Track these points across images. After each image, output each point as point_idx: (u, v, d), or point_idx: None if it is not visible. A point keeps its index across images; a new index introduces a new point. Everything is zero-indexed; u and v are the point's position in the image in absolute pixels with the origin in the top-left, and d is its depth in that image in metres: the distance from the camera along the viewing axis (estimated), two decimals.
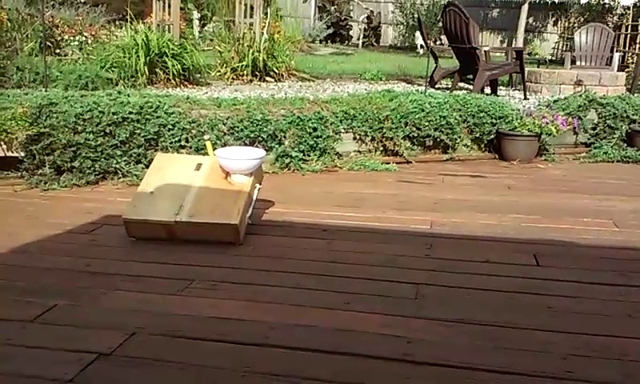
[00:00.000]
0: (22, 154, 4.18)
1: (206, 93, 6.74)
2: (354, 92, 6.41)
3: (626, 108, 5.77)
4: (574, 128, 5.63)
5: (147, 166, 3.80)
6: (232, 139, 4.60)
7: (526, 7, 14.77)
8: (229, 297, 2.52)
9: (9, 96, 4.58)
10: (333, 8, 17.40)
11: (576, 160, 5.51)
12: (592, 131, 5.78)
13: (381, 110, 5.10)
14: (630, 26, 11.86)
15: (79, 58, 7.77)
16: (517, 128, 5.31)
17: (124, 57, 7.16)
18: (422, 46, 14.53)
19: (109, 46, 7.92)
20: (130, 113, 4.34)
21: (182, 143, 4.51)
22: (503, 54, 10.86)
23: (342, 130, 5.00)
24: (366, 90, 6.90)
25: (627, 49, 11.57)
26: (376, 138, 5.10)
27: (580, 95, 5.96)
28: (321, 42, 15.47)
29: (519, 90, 8.17)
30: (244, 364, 2.00)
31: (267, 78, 8.31)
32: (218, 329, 2.24)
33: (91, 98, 4.44)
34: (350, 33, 17.56)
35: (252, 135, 4.65)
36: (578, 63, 9.47)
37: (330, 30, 16.32)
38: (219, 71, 8.34)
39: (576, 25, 15.97)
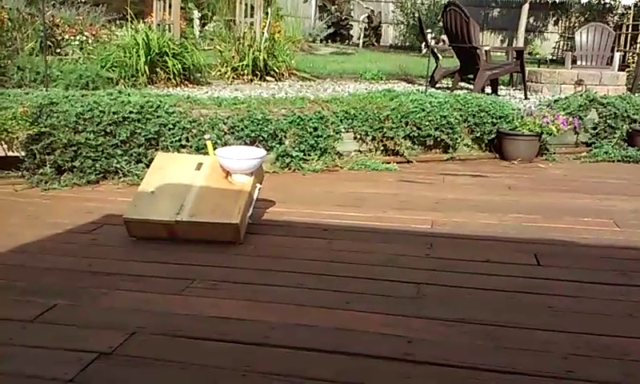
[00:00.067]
0: (23, 154, 4.18)
1: (207, 92, 6.74)
2: (355, 91, 6.41)
3: (627, 108, 5.77)
4: (575, 128, 5.63)
5: (148, 166, 3.80)
6: (232, 139, 4.60)
7: (526, 7, 14.77)
8: (229, 296, 2.52)
9: (9, 95, 4.59)
10: (333, 7, 17.40)
11: (577, 160, 5.51)
12: (593, 131, 5.78)
13: (381, 109, 5.10)
14: (630, 26, 11.86)
15: (80, 58, 7.77)
16: (517, 128, 5.30)
17: (124, 56, 7.16)
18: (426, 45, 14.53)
19: (109, 45, 7.93)
20: (131, 112, 4.34)
21: (183, 143, 4.51)
22: (504, 54, 10.85)
23: (343, 130, 4.99)
24: (366, 89, 6.90)
25: (628, 48, 11.56)
26: (377, 137, 5.10)
27: (581, 95, 5.96)
28: (321, 41, 15.47)
29: (520, 89, 8.17)
30: (244, 364, 2.00)
31: (268, 78, 8.31)
32: (218, 328, 2.24)
33: (92, 98, 4.44)
34: (351, 32, 17.56)
35: (252, 135, 4.65)
36: (578, 63, 9.47)
37: (331, 30, 16.32)
38: (220, 71, 8.34)
39: (577, 24, 15.98)
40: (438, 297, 2.56)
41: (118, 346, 2.08)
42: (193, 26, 12.56)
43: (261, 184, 3.45)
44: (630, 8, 13.15)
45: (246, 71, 8.18)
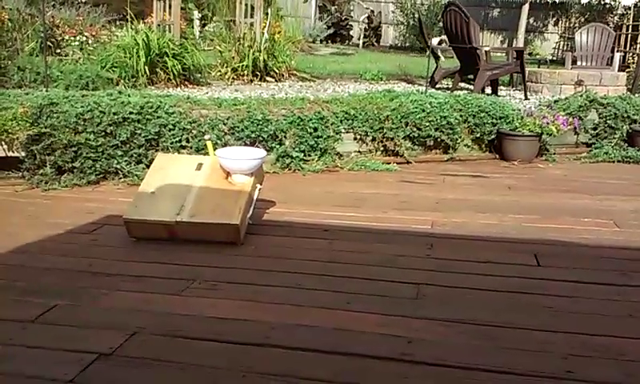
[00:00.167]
0: (23, 154, 4.18)
1: (207, 93, 6.74)
2: (355, 92, 6.41)
3: (627, 108, 5.77)
4: (575, 128, 5.63)
5: (148, 166, 3.80)
6: (233, 139, 4.61)
7: (526, 7, 14.77)
8: (229, 297, 2.52)
9: (10, 96, 4.59)
10: (333, 8, 17.40)
11: (577, 160, 5.51)
12: (593, 131, 5.78)
13: (381, 110, 5.10)
14: (630, 26, 11.86)
15: (80, 58, 7.77)
16: (517, 128, 5.31)
17: (125, 57, 7.17)
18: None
19: (109, 46, 7.93)
20: (131, 113, 4.35)
21: (183, 143, 4.51)
22: (504, 54, 10.85)
23: (343, 130, 5.00)
24: (366, 90, 6.90)
25: (628, 49, 11.56)
26: (377, 138, 5.10)
27: (581, 95, 5.96)
28: (321, 41, 15.48)
29: (520, 90, 8.17)
30: (244, 364, 2.00)
31: (268, 78, 8.31)
32: (218, 329, 2.24)
33: (92, 98, 4.44)
34: (351, 33, 17.56)
35: (253, 135, 4.65)
36: (578, 63, 9.47)
37: (331, 30, 16.32)
38: (220, 71, 8.34)
39: (577, 25, 15.98)
40: (438, 297, 2.56)
41: (118, 346, 2.08)
42: (193, 27, 12.57)
43: (261, 184, 3.45)
44: (630, 8, 13.15)
45: (246, 72, 8.18)
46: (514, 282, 2.73)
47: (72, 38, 8.64)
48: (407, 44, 17.10)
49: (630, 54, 11.36)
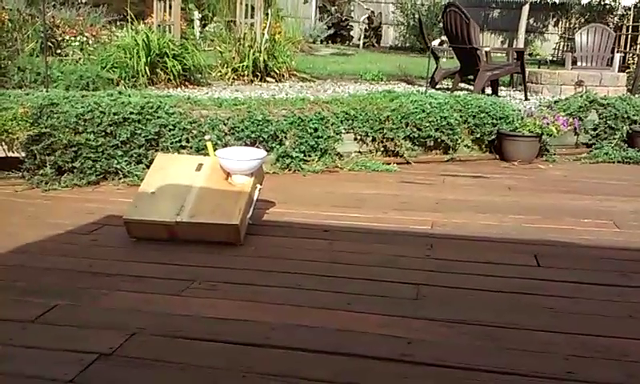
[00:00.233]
0: (23, 155, 4.18)
1: (207, 93, 6.74)
2: (355, 92, 6.41)
3: (627, 109, 5.77)
4: (575, 129, 5.63)
5: (148, 167, 3.80)
6: (233, 139, 4.61)
7: (526, 8, 14.78)
8: (229, 297, 2.52)
9: (10, 96, 4.59)
10: (333, 8, 17.41)
11: (577, 161, 5.51)
12: (593, 132, 5.78)
13: (381, 110, 5.10)
14: (630, 27, 11.86)
15: (80, 59, 7.77)
16: (518, 129, 5.31)
17: (125, 57, 7.17)
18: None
19: (110, 46, 7.94)
20: (131, 113, 4.34)
21: (183, 143, 4.51)
22: (504, 55, 10.85)
23: (343, 131, 5.00)
24: (366, 90, 6.90)
25: (628, 49, 11.56)
26: (377, 138, 5.10)
27: (581, 96, 5.96)
28: (321, 42, 15.48)
29: (520, 90, 8.17)
30: (244, 364, 2.00)
31: (268, 79, 8.31)
32: (218, 329, 2.24)
33: (92, 99, 4.44)
34: (351, 33, 17.57)
35: (253, 135, 4.65)
36: (578, 64, 9.47)
37: (331, 31, 16.33)
38: (220, 71, 8.34)
39: (577, 25, 15.98)
40: (438, 298, 2.56)
41: (118, 346, 2.08)
42: (193, 27, 12.57)
43: (261, 185, 3.45)
44: (630, 9, 13.16)
45: (246, 72, 8.18)
46: (514, 282, 2.73)
47: (72, 39, 8.64)
48: (407, 44, 17.11)
49: (630, 55, 11.36)
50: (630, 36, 11.73)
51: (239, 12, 8.82)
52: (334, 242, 3.21)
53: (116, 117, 4.29)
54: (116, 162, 4.29)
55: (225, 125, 4.63)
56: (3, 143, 4.17)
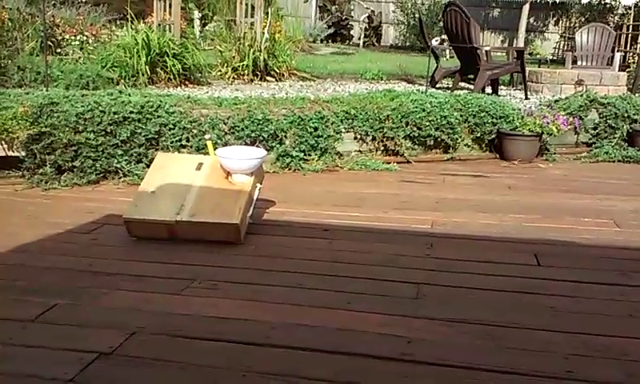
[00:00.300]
0: (23, 154, 4.18)
1: (207, 92, 6.74)
2: (355, 92, 6.41)
3: (627, 108, 5.77)
4: (575, 128, 5.63)
5: (148, 166, 3.80)
6: (233, 139, 4.60)
7: (527, 7, 14.76)
8: (229, 296, 2.52)
9: (10, 95, 4.59)
10: (334, 8, 17.41)
11: (577, 160, 5.51)
12: (593, 131, 5.78)
13: (382, 109, 5.10)
14: (631, 26, 11.86)
15: (80, 58, 7.77)
16: (518, 128, 5.30)
17: (125, 56, 7.17)
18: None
19: (110, 45, 7.94)
20: (131, 112, 4.34)
21: (183, 143, 4.51)
22: (504, 54, 10.84)
23: (343, 130, 4.99)
24: (366, 89, 6.90)
25: (628, 48, 11.56)
26: (377, 137, 5.10)
27: (581, 95, 5.96)
28: (322, 41, 15.48)
29: (520, 89, 8.17)
30: (244, 364, 2.00)
31: (268, 78, 8.31)
32: (218, 328, 2.24)
33: (92, 98, 4.44)
34: (351, 32, 17.56)
35: (253, 135, 4.65)
36: (579, 63, 9.46)
37: (331, 30, 16.33)
38: (220, 71, 8.34)
39: (577, 24, 15.98)
40: (438, 297, 2.56)
41: (118, 345, 2.08)
42: (193, 26, 12.57)
43: (261, 184, 3.45)
44: (630, 8, 13.15)
45: (246, 71, 8.18)
46: (514, 281, 2.73)
47: (72, 38, 8.64)
48: (407, 44, 17.10)
49: (631, 54, 11.36)
50: (630, 35, 11.72)
51: (239, 11, 8.82)
52: (334, 242, 3.21)
53: (116, 116, 4.29)
54: (116, 161, 4.29)
55: (225, 124, 4.63)
56: (3, 142, 4.17)
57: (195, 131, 4.54)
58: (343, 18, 17.31)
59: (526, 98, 7.27)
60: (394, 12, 17.81)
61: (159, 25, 8.17)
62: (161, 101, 4.58)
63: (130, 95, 4.61)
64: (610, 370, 2.01)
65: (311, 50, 13.25)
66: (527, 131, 5.29)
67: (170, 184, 3.25)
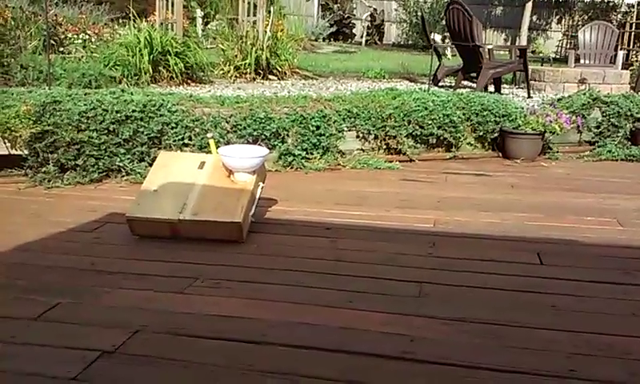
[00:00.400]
0: (26, 152, 4.18)
1: (209, 91, 6.75)
2: (357, 90, 6.40)
3: (630, 106, 5.75)
4: (578, 126, 5.61)
5: (151, 164, 3.80)
6: (235, 137, 4.60)
7: (529, 5, 14.74)
8: (232, 295, 2.52)
9: (13, 94, 4.59)
10: (336, 6, 17.41)
11: (580, 159, 5.49)
12: (596, 130, 5.76)
13: (384, 108, 5.09)
14: (634, 24, 11.83)
15: (83, 56, 7.78)
16: (520, 126, 5.29)
17: (127, 55, 7.18)
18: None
19: (112, 44, 7.95)
20: (134, 111, 4.35)
21: (186, 141, 4.51)
22: (507, 52, 10.83)
23: (345, 129, 4.99)
24: (369, 88, 6.90)
25: (631, 47, 11.54)
26: (379, 136, 5.09)
27: (584, 93, 5.94)
28: (324, 40, 15.49)
29: (523, 88, 8.16)
30: (246, 362, 2.00)
31: (270, 76, 8.32)
32: (220, 327, 2.24)
33: (95, 96, 4.44)
34: (354, 31, 17.56)
35: (255, 133, 4.65)
36: (581, 61, 9.45)
37: (333, 28, 16.33)
38: (222, 69, 8.35)
39: (580, 23, 15.95)
40: (440, 296, 2.56)
41: (120, 344, 2.08)
42: (195, 25, 12.58)
43: (263, 183, 3.45)
44: (633, 6, 13.12)
45: (248, 70, 8.18)
46: (516, 280, 2.72)
47: (75, 36, 8.66)
48: (410, 42, 17.10)
49: (634, 52, 11.34)
50: (633, 33, 11.70)
51: (242, 10, 8.82)
52: (336, 240, 3.20)
53: (119, 115, 4.29)
54: (119, 159, 4.29)
55: (227, 122, 4.63)
56: (6, 141, 4.17)
57: (197, 130, 4.54)
58: (345, 16, 17.31)
59: (529, 97, 7.27)
60: (396, 10, 17.81)
61: (162, 23, 8.17)
62: (163, 99, 4.59)
63: (132, 94, 4.61)
64: (613, 369, 2.00)
65: (313, 49, 13.25)
66: (530, 130, 5.28)
67: (172, 183, 3.25)
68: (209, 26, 13.03)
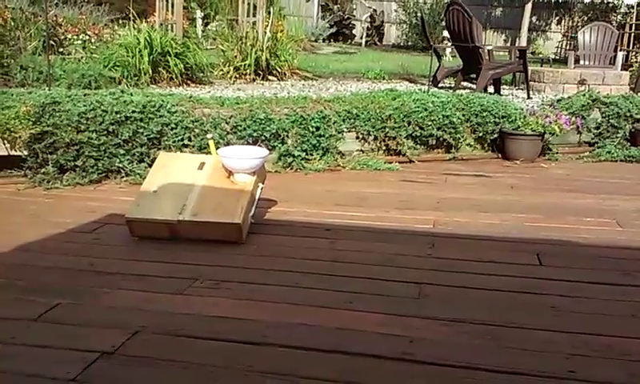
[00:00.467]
0: (26, 153, 4.19)
1: (209, 92, 6.75)
2: (357, 91, 6.41)
3: (630, 107, 5.76)
4: (578, 127, 5.61)
5: (150, 165, 3.80)
6: (235, 138, 4.61)
7: (529, 6, 14.74)
8: (231, 296, 2.53)
9: (12, 95, 4.59)
10: (336, 7, 17.40)
11: (579, 159, 5.50)
12: (595, 130, 5.76)
13: (384, 109, 5.09)
14: (633, 25, 11.84)
15: (82, 57, 7.78)
16: (520, 127, 5.30)
17: (127, 56, 7.18)
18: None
19: (112, 44, 7.95)
20: (133, 112, 4.35)
21: (185, 142, 4.51)
22: (506, 53, 10.84)
23: (345, 129, 4.99)
24: (368, 89, 6.90)
25: (631, 48, 11.54)
26: (379, 137, 5.09)
27: (583, 94, 5.95)
28: (324, 40, 15.49)
29: (522, 89, 8.17)
30: (245, 363, 2.00)
31: (270, 77, 8.32)
32: (220, 328, 2.24)
33: (94, 97, 4.45)
34: (353, 32, 17.56)
35: (255, 134, 4.65)
36: (581, 62, 9.45)
37: (333, 29, 16.33)
38: (222, 70, 8.35)
39: (579, 24, 15.95)
40: (440, 297, 2.56)
41: (120, 345, 2.08)
42: (195, 26, 12.58)
43: (263, 183, 3.45)
44: (633, 7, 13.13)
45: (248, 71, 8.18)
46: (516, 281, 2.72)
47: (75, 37, 8.65)
48: (410, 43, 17.09)
49: (633, 53, 11.34)
50: (632, 34, 11.70)
51: (241, 10, 8.82)
52: (336, 241, 3.21)
53: (118, 115, 4.29)
54: (118, 160, 4.29)
55: (227, 123, 4.64)
56: (6, 142, 4.17)
57: (197, 131, 4.54)
58: (345, 17, 17.31)
59: (529, 98, 7.27)
60: (396, 11, 17.80)
61: (161, 24, 8.18)
62: (163, 100, 4.59)
63: (132, 95, 4.62)
64: (611, 370, 2.00)
65: (313, 50, 13.25)
66: (529, 131, 5.28)
67: (172, 183, 3.25)
68: (209, 26, 13.04)
